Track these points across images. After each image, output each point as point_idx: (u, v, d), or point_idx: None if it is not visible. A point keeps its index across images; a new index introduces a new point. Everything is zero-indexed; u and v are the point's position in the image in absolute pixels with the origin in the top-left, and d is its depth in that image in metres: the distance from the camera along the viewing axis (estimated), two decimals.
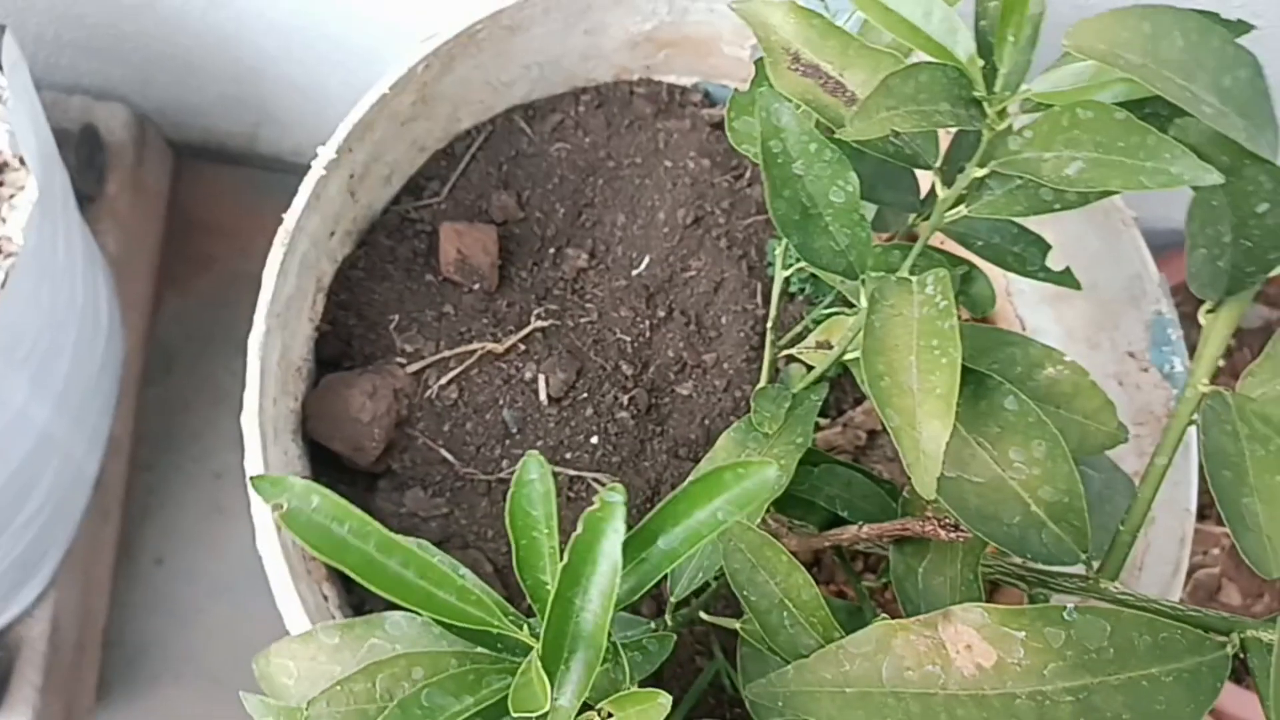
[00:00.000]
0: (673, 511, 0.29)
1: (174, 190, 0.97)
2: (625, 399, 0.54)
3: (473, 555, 0.51)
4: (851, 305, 0.46)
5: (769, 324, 0.45)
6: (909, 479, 0.33)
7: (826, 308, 0.47)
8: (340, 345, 0.53)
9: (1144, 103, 0.33)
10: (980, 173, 0.35)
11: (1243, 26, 0.33)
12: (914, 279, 0.35)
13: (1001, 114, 0.34)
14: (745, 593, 0.32)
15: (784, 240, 0.45)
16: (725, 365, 0.56)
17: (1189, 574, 0.80)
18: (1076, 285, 0.43)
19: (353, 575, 0.26)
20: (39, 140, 0.63)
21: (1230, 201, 0.30)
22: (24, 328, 0.61)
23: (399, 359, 0.52)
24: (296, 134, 0.96)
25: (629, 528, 0.29)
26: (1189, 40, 0.29)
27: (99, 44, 0.84)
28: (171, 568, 0.84)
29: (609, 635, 0.28)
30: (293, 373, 0.49)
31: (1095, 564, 0.35)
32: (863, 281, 0.38)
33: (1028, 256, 0.43)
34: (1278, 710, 0.27)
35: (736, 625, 0.39)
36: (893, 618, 0.49)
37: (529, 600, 0.30)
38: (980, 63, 0.34)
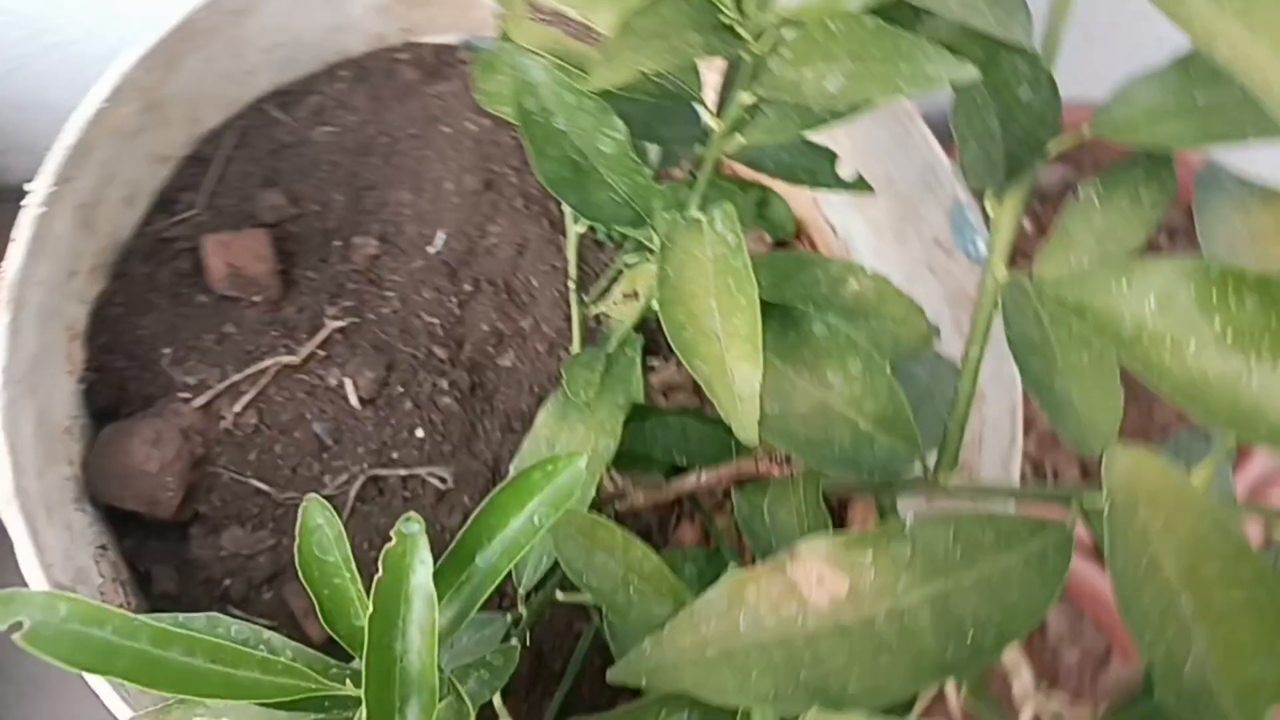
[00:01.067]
0: (486, 525, 0.27)
1: None
2: (445, 384, 0.51)
3: None
4: (651, 250, 0.45)
5: (570, 284, 0.42)
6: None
7: (628, 255, 0.45)
8: (114, 392, 0.47)
9: (896, 5, 0.31)
10: (748, 99, 0.33)
11: None
12: (703, 218, 0.33)
13: (759, 37, 0.32)
14: (585, 579, 0.31)
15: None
16: (544, 328, 0.53)
17: (1028, 428, 0.84)
18: (869, 190, 0.43)
19: (128, 684, 0.23)
20: None
21: (992, 92, 0.30)
22: None
23: (182, 395, 0.47)
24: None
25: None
26: None
27: None
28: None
29: (439, 670, 0.25)
30: (58, 436, 0.44)
31: (931, 461, 0.35)
32: (653, 227, 0.36)
33: (818, 170, 0.42)
34: (1120, 570, 0.27)
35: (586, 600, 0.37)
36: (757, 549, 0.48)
37: (348, 650, 0.27)
38: None
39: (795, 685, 0.29)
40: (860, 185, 0.43)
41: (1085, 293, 0.25)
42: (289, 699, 0.25)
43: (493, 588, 0.26)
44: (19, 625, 0.23)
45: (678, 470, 0.44)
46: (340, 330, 0.51)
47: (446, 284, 0.53)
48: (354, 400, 0.49)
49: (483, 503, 0.27)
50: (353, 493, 0.48)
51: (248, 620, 0.29)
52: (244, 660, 0.25)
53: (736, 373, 0.30)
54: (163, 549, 0.47)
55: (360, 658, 0.27)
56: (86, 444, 0.46)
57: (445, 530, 0.47)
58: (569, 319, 0.54)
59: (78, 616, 0.23)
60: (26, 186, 0.42)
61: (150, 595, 0.46)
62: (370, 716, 0.24)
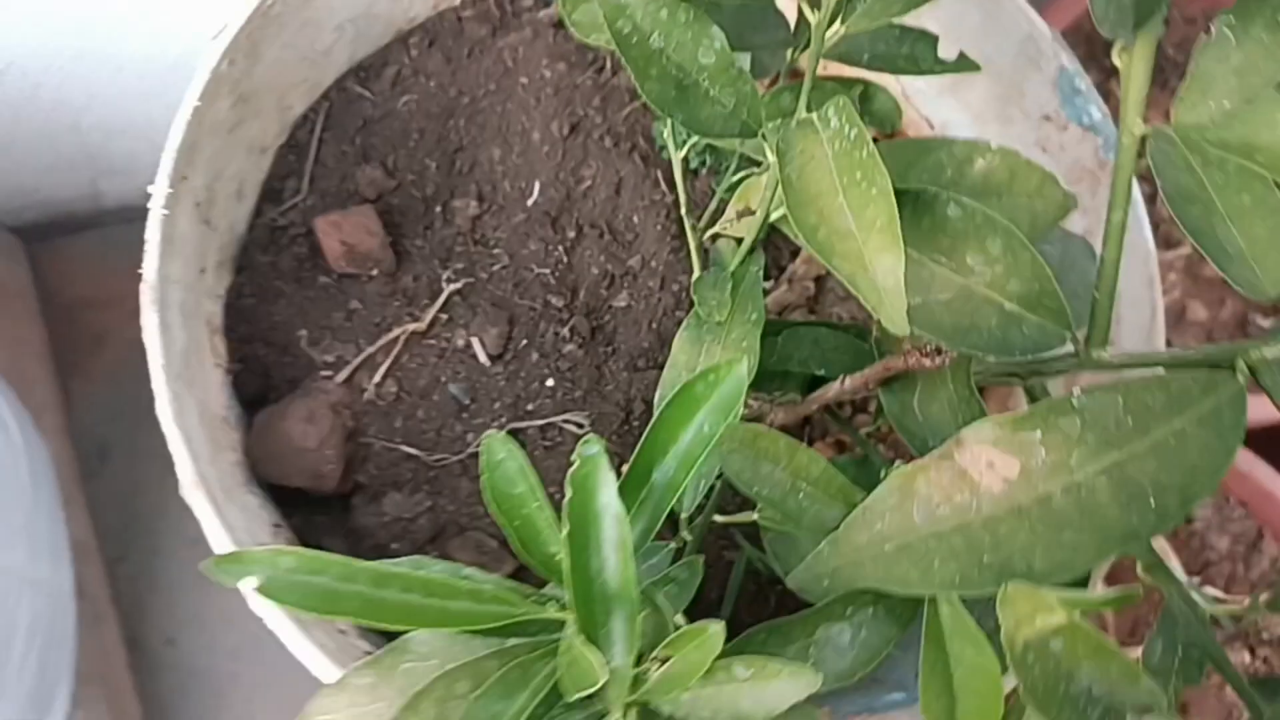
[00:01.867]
0: (658, 440, 0.27)
1: (36, 278, 0.91)
2: (566, 331, 0.52)
3: (473, 538, 0.49)
4: (758, 164, 0.44)
5: (682, 210, 0.42)
6: (878, 319, 0.31)
7: (734, 173, 0.44)
8: (259, 380, 0.50)
9: None
10: None
11: None
12: (814, 117, 0.33)
13: None
14: (754, 489, 0.31)
15: (669, 120, 0.42)
16: (653, 263, 0.54)
17: None
18: (975, 67, 0.41)
19: (356, 621, 0.24)
20: None
21: None
22: None
23: (324, 373, 0.49)
24: (139, 177, 0.88)
25: (621, 459, 0.27)
26: None
27: None
28: (185, 645, 0.81)
29: (638, 583, 0.26)
30: (219, 425, 0.46)
31: (1081, 337, 0.34)
32: (763, 135, 0.35)
33: (918, 54, 0.41)
34: None
35: (754, 517, 0.38)
36: (898, 454, 0.48)
37: (543, 576, 0.28)
38: None
39: (979, 569, 0.29)
40: (965, 64, 0.42)
41: (1249, 131, 0.24)
42: (498, 625, 0.27)
43: (674, 499, 0.27)
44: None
45: (812, 383, 0.44)
46: (458, 292, 0.52)
47: (550, 233, 0.54)
48: (483, 358, 0.50)
49: (652, 420, 0.28)
50: None
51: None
52: (455, 593, 0.26)
53: (878, 265, 0.29)
54: (329, 522, 0.49)
55: (556, 582, 0.28)
56: (244, 431, 0.48)
57: None
58: (675, 252, 0.54)
59: (300, 568, 0.24)
60: (150, 190, 0.44)
61: None
62: (581, 631, 0.25)
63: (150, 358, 0.40)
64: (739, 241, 0.45)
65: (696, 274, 0.42)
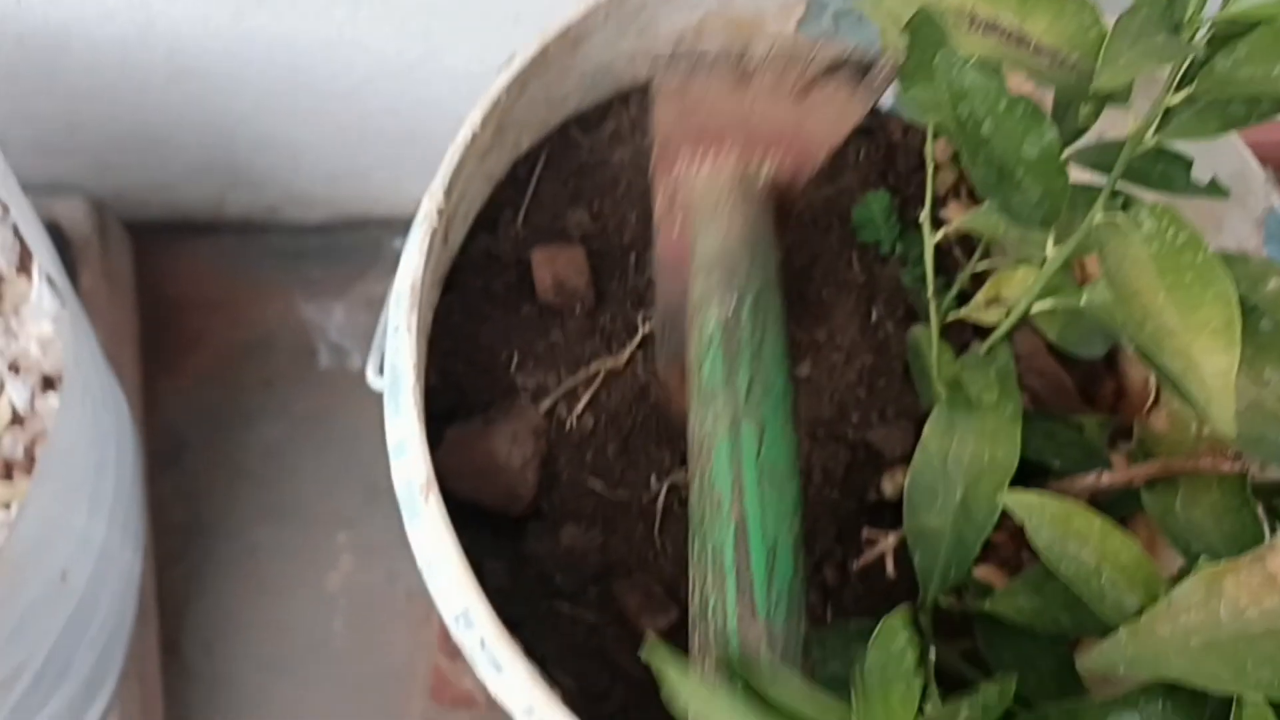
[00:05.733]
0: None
1: (140, 272, 0.92)
2: None
3: (641, 581, 0.48)
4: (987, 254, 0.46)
5: (929, 291, 0.44)
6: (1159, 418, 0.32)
7: (978, 260, 0.46)
8: (453, 396, 0.50)
9: None
10: (1177, 99, 0.34)
11: None
12: (1122, 218, 0.34)
13: (1194, 36, 0.33)
14: (1059, 566, 0.31)
15: (927, 206, 0.44)
16: (839, 339, 0.55)
17: None
18: (1225, 194, 0.43)
19: None
20: (46, 248, 0.58)
21: None
22: (77, 447, 0.56)
23: (526, 397, 0.49)
24: (270, 192, 0.91)
25: None
26: None
27: (50, 139, 0.78)
28: (220, 654, 0.80)
29: None
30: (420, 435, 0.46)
31: None
32: (1054, 229, 0.37)
33: (1172, 174, 0.42)
34: None
35: (985, 606, 0.38)
36: None
37: None
38: None
39: None
40: (1215, 190, 0.43)
41: None
42: None
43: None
44: None
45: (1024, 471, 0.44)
46: (649, 336, 0.52)
47: None
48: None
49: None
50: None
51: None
52: None
53: (1208, 366, 0.30)
54: (495, 545, 0.49)
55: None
56: (430, 443, 0.48)
57: None
58: (861, 331, 0.55)
59: None
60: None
61: (484, 589, 0.48)
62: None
63: (403, 357, 0.40)
64: (941, 331, 0.46)
65: (934, 355, 0.43)
